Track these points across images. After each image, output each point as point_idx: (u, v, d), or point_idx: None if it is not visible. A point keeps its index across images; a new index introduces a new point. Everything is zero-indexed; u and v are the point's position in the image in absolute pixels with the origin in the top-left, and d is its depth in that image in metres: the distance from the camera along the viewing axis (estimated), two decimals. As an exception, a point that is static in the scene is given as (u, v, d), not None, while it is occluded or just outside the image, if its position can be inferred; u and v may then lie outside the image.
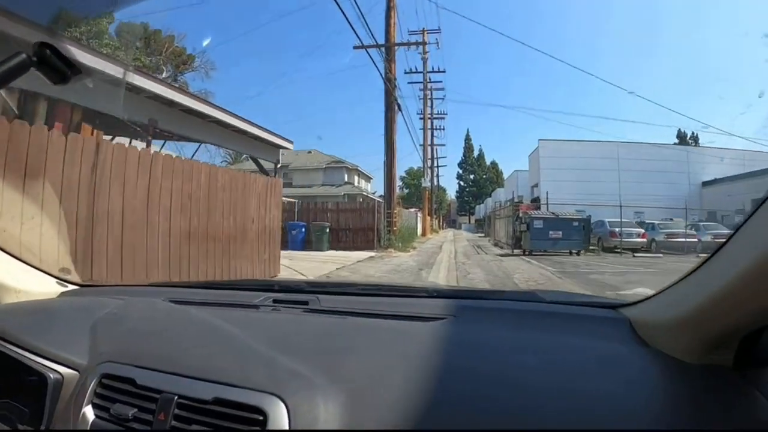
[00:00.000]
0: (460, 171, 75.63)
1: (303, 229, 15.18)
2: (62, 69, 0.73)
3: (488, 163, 75.24)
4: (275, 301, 1.14)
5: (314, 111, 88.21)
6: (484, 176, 74.24)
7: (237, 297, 1.23)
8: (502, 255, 14.31)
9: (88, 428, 0.77)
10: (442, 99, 37.43)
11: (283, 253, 8.60)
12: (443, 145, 40.67)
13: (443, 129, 38.98)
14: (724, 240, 0.62)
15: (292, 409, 0.66)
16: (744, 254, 0.56)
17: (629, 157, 25.42)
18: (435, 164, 44.97)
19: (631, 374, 0.71)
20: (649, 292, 0.86)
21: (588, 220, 14.52)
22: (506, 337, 0.87)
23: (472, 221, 70.53)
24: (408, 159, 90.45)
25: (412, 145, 28.81)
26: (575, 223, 14.14)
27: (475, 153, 74.90)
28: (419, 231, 28.65)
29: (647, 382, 0.69)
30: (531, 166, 29.98)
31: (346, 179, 32.64)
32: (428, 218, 31.81)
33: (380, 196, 38.25)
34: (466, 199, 75.29)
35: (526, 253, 14.12)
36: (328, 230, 14.94)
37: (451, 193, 78.20)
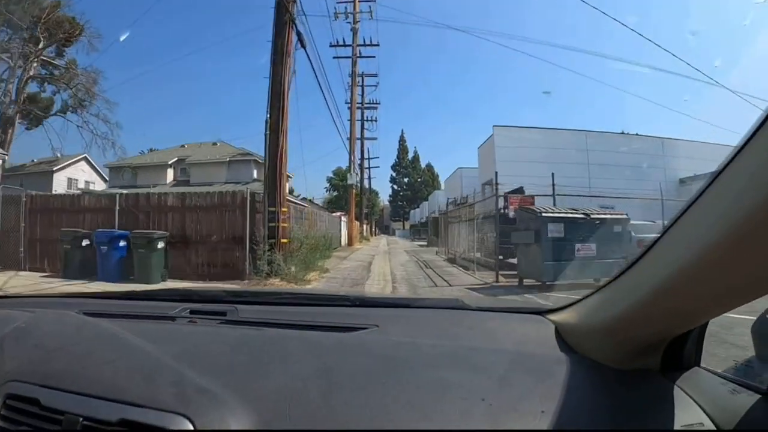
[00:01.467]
0: (394, 174, 70.69)
1: (122, 243, 8.25)
2: None
3: (423, 165, 70.79)
4: (192, 312, 1.11)
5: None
6: (419, 179, 69.91)
7: (153, 308, 1.22)
8: (478, 286, 8.07)
9: None
10: (376, 86, 31.32)
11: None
12: (374, 139, 34.43)
13: (375, 120, 32.72)
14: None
15: (199, 429, 0.64)
16: (669, 259, 0.56)
17: (599, 148, 21.52)
18: (366, 162, 38.96)
19: (554, 384, 0.68)
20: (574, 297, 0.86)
21: (628, 220, 7.78)
22: (429, 346, 0.84)
23: (407, 227, 66.25)
24: (336, 157, 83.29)
25: (340, 140, 23.43)
26: (616, 228, 7.45)
27: (410, 155, 70.34)
28: (344, 240, 22.44)
29: (575, 388, 0.68)
30: (482, 159, 24.69)
31: (255, 176, 25.63)
32: (356, 223, 25.72)
33: (303, 199, 31.44)
34: (400, 203, 70.41)
35: (522, 284, 7.71)
36: (162, 245, 8.09)
37: (384, 197, 72.94)
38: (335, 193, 48.71)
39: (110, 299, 1.49)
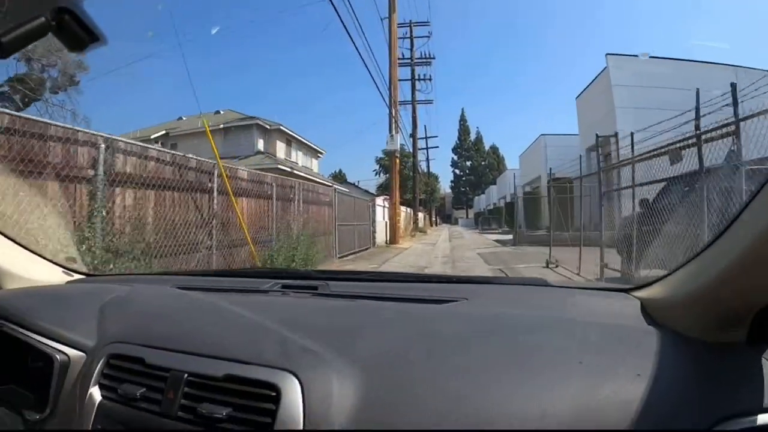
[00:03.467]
0: (455, 157, 63.17)
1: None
2: (81, 35, 0.66)
3: (487, 147, 62.71)
4: (284, 286, 1.12)
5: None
6: (483, 162, 61.89)
7: (245, 283, 1.24)
8: None
9: (95, 409, 0.75)
10: (428, 36, 24.76)
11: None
12: (430, 102, 27.06)
13: (430, 79, 26.04)
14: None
15: (306, 385, 0.65)
16: (754, 230, 0.56)
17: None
18: (424, 140, 32.36)
19: (645, 354, 0.67)
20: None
21: None
22: (520, 315, 0.84)
23: (470, 215, 58.83)
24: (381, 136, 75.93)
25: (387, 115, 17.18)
26: None
27: (472, 137, 62.52)
28: (382, 235, 16.00)
29: (661, 361, 0.66)
30: (583, 112, 17.15)
31: (260, 146, 19.92)
32: (402, 211, 19.59)
33: (332, 179, 24.67)
34: (463, 189, 63.04)
35: None
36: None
37: (445, 185, 65.73)
38: (387, 176, 41.25)
39: (201, 276, 1.60)
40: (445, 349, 0.70)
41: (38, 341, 0.89)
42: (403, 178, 34.32)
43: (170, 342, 0.79)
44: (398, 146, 15.46)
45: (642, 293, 0.88)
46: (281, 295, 1.07)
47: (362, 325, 0.81)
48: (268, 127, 20.49)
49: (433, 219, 46.43)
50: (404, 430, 0.59)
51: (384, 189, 35.41)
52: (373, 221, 15.10)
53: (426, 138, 36.64)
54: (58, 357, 0.85)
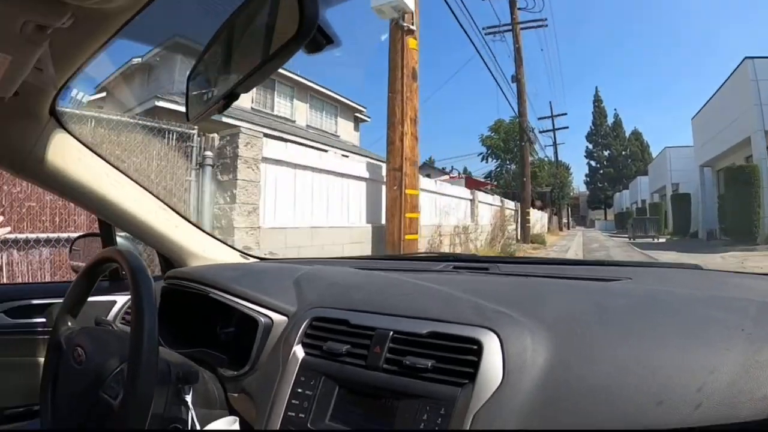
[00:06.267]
0: (590, 146, 52.28)
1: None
2: (319, 39, 0.64)
3: (628, 133, 50.79)
4: (455, 267, 1.19)
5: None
6: (624, 152, 50.23)
7: (417, 265, 1.38)
8: None
9: (299, 363, 0.83)
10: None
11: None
12: (543, 24, 18.56)
13: (545, 25, 18.79)
14: None
15: (504, 340, 0.69)
16: None
17: None
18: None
19: None
20: None
21: None
22: (681, 293, 0.85)
23: (610, 217, 48.11)
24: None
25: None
26: None
27: (609, 120, 51.30)
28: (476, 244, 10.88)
29: None
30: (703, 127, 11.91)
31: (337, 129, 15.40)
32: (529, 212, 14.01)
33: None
34: (600, 185, 52.09)
35: None
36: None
37: (578, 181, 55.27)
38: (497, 162, 26.51)
39: (375, 260, 1.76)
40: (617, 317, 0.73)
41: (244, 306, 1.00)
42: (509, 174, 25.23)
43: (371, 307, 0.85)
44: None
45: None
46: (456, 274, 1.13)
47: (540, 295, 0.85)
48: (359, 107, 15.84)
49: (565, 220, 36.72)
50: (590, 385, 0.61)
51: (496, 178, 27.26)
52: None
53: (552, 116, 28.93)
54: (262, 320, 0.96)
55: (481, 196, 12.67)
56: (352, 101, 16.76)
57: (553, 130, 29.81)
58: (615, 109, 58.46)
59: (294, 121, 13.81)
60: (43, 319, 1.28)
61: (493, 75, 14.58)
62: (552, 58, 67.24)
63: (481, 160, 26.50)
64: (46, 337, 1.24)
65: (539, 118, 29.29)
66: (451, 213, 9.61)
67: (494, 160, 26.11)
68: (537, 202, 23.99)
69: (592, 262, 1.48)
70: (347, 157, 9.64)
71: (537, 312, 0.75)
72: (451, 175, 23.34)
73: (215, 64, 0.68)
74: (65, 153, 1.07)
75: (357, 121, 17.31)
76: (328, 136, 14.71)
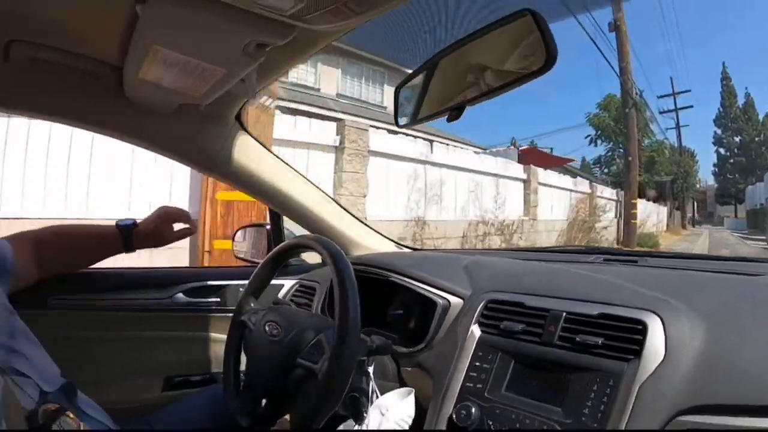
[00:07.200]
0: (718, 131, 45.90)
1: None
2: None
3: (761, 116, 43.31)
4: (606, 260, 1.22)
5: None
6: (758, 138, 43.38)
7: (568, 257, 1.38)
8: None
9: (476, 341, 0.90)
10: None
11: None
12: None
13: None
14: None
15: (667, 323, 0.74)
16: None
17: None
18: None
19: None
20: None
21: None
22: None
23: (741, 213, 41.71)
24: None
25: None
26: None
27: (740, 100, 44.28)
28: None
29: None
30: None
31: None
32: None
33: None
34: (730, 176, 45.53)
35: None
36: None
37: (705, 171, 48.53)
38: (606, 146, 23.45)
39: (526, 251, 1.79)
40: (766, 308, 0.77)
41: (423, 288, 1.08)
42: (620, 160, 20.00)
43: (541, 291, 0.90)
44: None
45: None
46: (609, 265, 1.16)
47: (692, 286, 0.89)
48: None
49: (689, 216, 31.68)
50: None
51: (606, 164, 24.16)
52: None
53: (674, 94, 25.15)
54: (440, 302, 1.03)
55: (542, 175, 9.28)
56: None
57: (675, 110, 26.28)
58: (746, 88, 50.26)
59: (385, 108, 13.36)
60: (217, 299, 1.42)
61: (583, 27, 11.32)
62: (670, 25, 59.17)
63: (589, 143, 23.29)
64: (219, 314, 1.38)
65: (659, 97, 26.24)
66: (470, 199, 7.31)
67: (604, 143, 22.87)
68: (650, 192, 20.74)
69: (736, 258, 1.50)
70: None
71: (691, 300, 0.79)
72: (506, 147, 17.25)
73: (435, 79, 0.77)
74: (248, 153, 1.21)
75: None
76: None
